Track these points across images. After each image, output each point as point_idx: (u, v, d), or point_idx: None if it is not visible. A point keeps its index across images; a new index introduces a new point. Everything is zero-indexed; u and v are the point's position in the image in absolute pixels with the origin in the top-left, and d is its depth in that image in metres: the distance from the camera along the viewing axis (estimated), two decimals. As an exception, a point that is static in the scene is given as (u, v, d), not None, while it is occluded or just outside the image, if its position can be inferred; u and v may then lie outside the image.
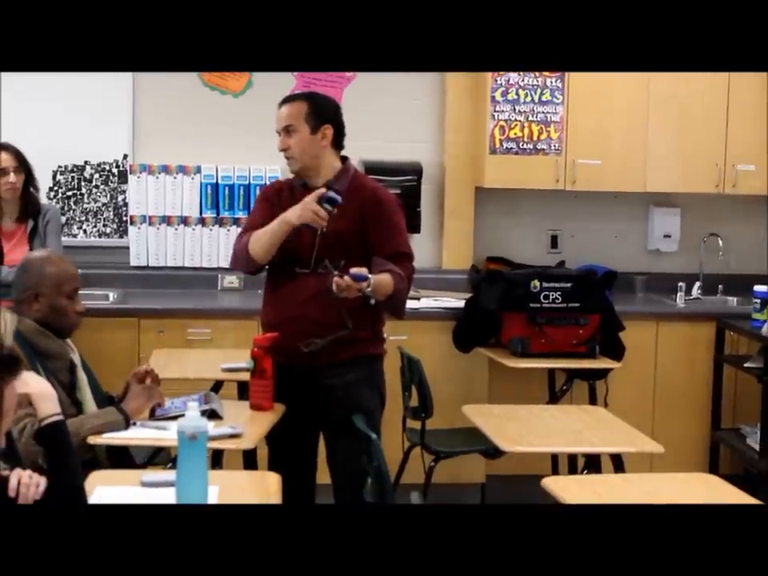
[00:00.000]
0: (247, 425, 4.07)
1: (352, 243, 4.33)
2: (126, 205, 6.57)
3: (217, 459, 4.13)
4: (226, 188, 6.55)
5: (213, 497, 3.20)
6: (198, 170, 6.54)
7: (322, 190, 4.28)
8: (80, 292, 4.20)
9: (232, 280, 6.54)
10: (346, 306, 4.23)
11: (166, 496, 3.18)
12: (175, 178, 6.53)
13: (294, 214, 4.29)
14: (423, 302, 6.20)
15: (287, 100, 4.47)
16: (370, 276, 4.14)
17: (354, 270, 4.10)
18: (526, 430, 4.41)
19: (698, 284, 6.74)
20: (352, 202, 4.36)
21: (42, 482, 2.96)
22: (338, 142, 4.44)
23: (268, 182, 6.40)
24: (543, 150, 6.35)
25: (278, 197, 4.44)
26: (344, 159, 4.50)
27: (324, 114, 4.40)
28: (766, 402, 5.72)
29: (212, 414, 4.05)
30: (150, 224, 6.51)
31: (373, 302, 4.21)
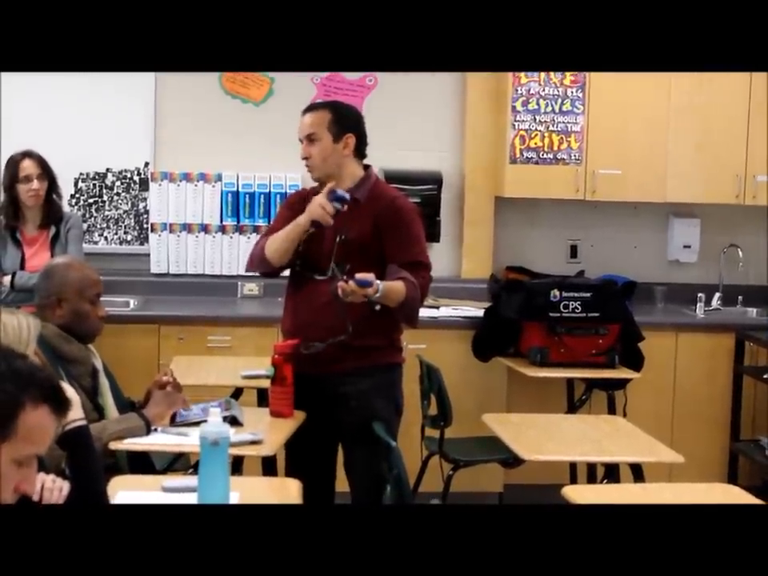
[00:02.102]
0: (267, 432, 4.08)
1: (369, 251, 4.34)
2: (146, 212, 6.60)
3: (237, 466, 4.14)
4: (247, 196, 6.58)
5: (234, 503, 3.21)
6: (219, 177, 6.56)
7: (332, 184, 4.30)
8: (101, 298, 4.22)
9: (252, 287, 6.56)
10: (360, 315, 4.25)
11: (188, 502, 3.20)
12: (196, 185, 6.56)
13: (303, 214, 4.32)
14: (443, 310, 6.21)
15: (310, 108, 4.49)
16: (377, 282, 4.14)
17: (359, 276, 4.11)
18: (545, 438, 4.42)
19: (717, 295, 6.73)
20: (370, 210, 4.37)
21: (65, 486, 2.97)
22: (360, 151, 4.46)
23: (288, 190, 6.45)
24: (563, 159, 6.36)
25: (301, 205, 4.46)
26: (366, 167, 4.51)
27: (347, 123, 4.42)
28: (785, 413, 5.71)
29: (232, 421, 4.06)
30: (170, 231, 6.54)
31: (378, 307, 4.22)
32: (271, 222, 4.73)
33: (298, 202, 4.53)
